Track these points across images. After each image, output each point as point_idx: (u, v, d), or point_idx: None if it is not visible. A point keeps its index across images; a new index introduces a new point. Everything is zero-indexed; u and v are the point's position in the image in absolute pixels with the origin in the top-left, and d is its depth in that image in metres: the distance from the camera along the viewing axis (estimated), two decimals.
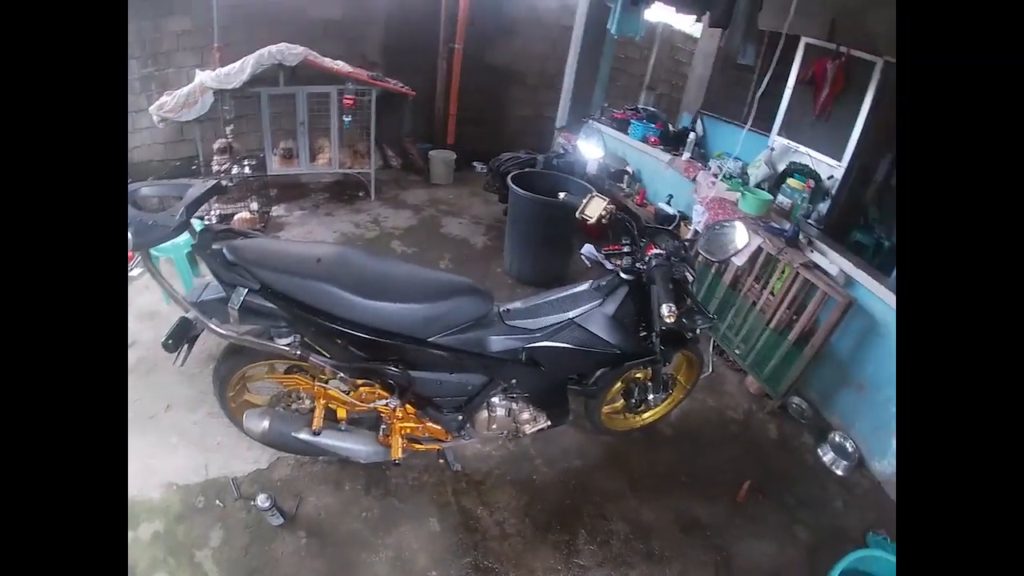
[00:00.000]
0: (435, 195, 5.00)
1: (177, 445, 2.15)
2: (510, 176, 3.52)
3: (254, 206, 3.87)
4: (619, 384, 2.29)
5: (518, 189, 3.38)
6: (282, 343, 1.63)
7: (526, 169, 3.87)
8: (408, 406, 1.82)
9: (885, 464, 2.73)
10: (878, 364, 2.77)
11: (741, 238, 1.74)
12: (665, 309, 1.48)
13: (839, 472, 2.72)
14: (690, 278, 1.79)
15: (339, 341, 1.63)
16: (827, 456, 2.78)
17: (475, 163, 5.64)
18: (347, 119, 4.19)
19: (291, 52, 3.75)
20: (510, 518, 2.10)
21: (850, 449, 2.82)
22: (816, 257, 2.93)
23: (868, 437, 2.83)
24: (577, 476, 2.33)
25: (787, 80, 4.39)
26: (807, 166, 4.09)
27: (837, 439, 2.86)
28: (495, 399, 1.89)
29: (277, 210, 4.21)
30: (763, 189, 3.75)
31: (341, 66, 4.13)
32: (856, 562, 1.57)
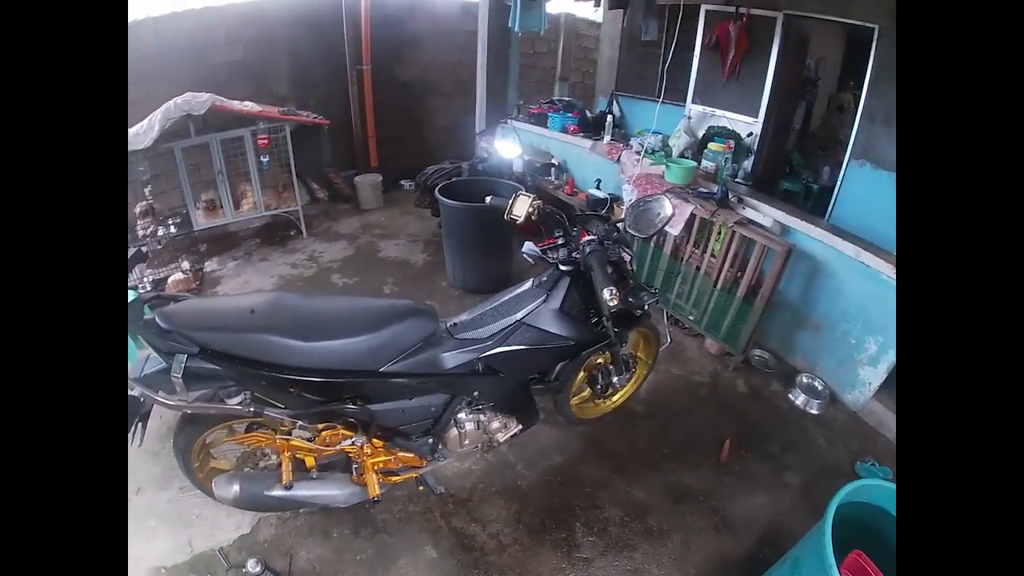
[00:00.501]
0: (367, 220, 4.93)
1: (156, 527, 2.04)
2: (437, 188, 3.49)
3: (186, 265, 3.71)
4: (582, 374, 2.29)
5: (446, 200, 3.36)
6: (233, 403, 1.57)
7: (453, 179, 3.86)
8: (375, 440, 1.76)
9: (856, 394, 2.85)
10: (829, 302, 2.89)
11: (665, 210, 1.77)
12: (607, 293, 1.48)
13: (814, 411, 2.82)
14: (627, 257, 1.81)
15: (291, 390, 1.57)
16: (799, 399, 2.88)
17: (402, 181, 5.59)
18: (265, 159, 4.08)
19: (197, 101, 3.62)
20: (504, 528, 2.08)
21: (819, 387, 2.92)
22: (749, 213, 3.03)
23: (834, 372, 2.94)
24: (561, 472, 2.33)
25: (694, 48, 4.53)
26: (725, 127, 4.22)
27: (805, 380, 2.96)
28: (461, 415, 1.86)
29: (210, 265, 4.05)
30: (687, 157, 3.84)
31: (250, 107, 4.01)
32: (851, 494, 1.60)
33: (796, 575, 1.56)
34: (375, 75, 5.20)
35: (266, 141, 4.01)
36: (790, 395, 2.91)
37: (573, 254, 1.78)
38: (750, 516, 2.20)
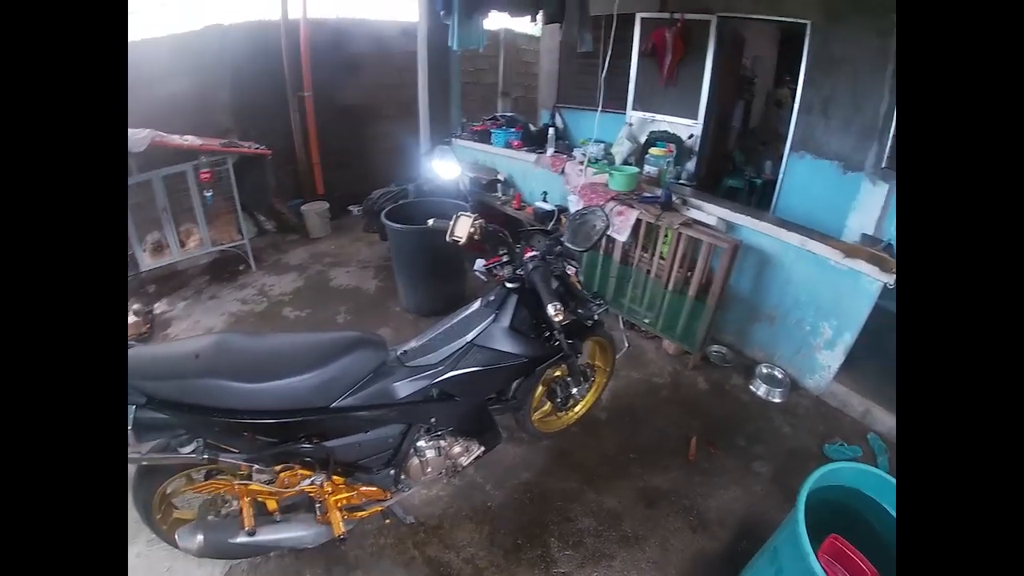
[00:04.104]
0: (316, 250, 4.84)
1: None
2: (384, 212, 3.45)
3: (136, 308, 3.57)
4: (540, 388, 2.29)
5: (392, 224, 3.31)
6: (186, 451, 1.50)
7: (400, 202, 3.81)
8: (335, 477, 1.72)
9: (817, 379, 2.95)
10: (780, 292, 2.98)
11: (600, 222, 1.79)
12: (551, 309, 1.49)
13: (776, 400, 2.89)
14: (572, 270, 1.82)
15: (244, 433, 1.53)
16: (760, 389, 2.95)
17: (350, 207, 5.52)
18: (208, 194, 3.96)
19: (136, 137, 3.50)
20: (479, 552, 2.05)
21: (780, 376, 3.00)
22: (693, 213, 3.10)
23: (793, 359, 3.03)
24: (530, 488, 2.32)
25: (631, 57, 4.65)
26: (667, 132, 4.34)
27: (765, 371, 3.03)
28: (421, 443, 1.83)
29: (160, 306, 3.89)
30: (631, 164, 3.91)
31: (191, 140, 3.90)
32: (820, 479, 1.60)
33: (775, 565, 1.58)
34: (317, 101, 5.14)
35: (209, 175, 3.90)
36: (751, 386, 2.98)
37: (518, 271, 1.78)
38: (725, 511, 2.23)
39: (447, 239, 1.77)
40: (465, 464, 1.96)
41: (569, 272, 1.80)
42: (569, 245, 1.87)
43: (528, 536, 2.10)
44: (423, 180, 4.19)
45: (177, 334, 3.54)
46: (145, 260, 3.94)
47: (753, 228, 2.98)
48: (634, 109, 4.67)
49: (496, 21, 5.64)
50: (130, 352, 1.52)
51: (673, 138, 4.26)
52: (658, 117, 4.52)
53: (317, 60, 5.01)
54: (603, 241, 1.92)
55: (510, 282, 1.79)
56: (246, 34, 4.85)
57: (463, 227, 1.74)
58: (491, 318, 1.77)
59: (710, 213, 3.07)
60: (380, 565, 2.00)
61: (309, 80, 5.00)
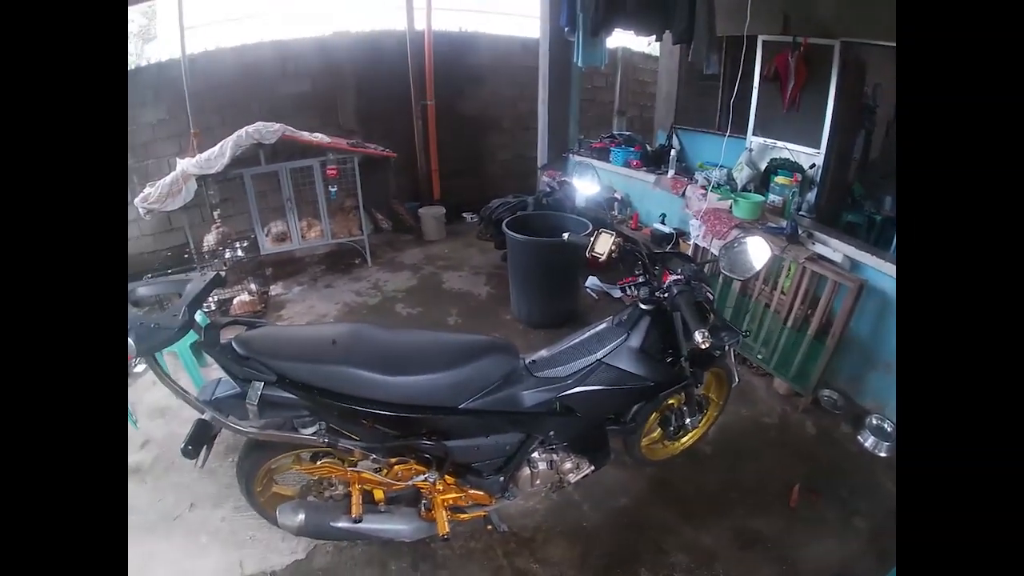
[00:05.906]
0: (430, 252, 5.01)
1: (207, 544, 2.06)
2: (505, 222, 3.52)
3: (252, 287, 3.86)
4: (654, 414, 2.24)
5: (515, 234, 3.38)
6: (307, 433, 1.58)
7: (517, 213, 3.88)
8: (447, 477, 1.76)
9: None
10: None
11: (762, 254, 1.72)
12: (699, 336, 1.44)
13: (883, 454, 2.70)
14: (711, 297, 1.77)
15: (366, 422, 1.58)
16: (868, 441, 2.76)
17: (465, 214, 5.69)
18: (333, 189, 4.24)
19: (268, 130, 3.78)
20: (568, 571, 2.02)
21: (889, 429, 2.79)
22: (818, 248, 2.94)
23: None
24: (627, 514, 2.27)
25: (752, 80, 4.49)
26: (788, 159, 4.14)
27: (875, 422, 2.83)
28: (535, 454, 1.83)
29: (275, 288, 4.20)
30: (750, 190, 3.77)
31: (320, 138, 4.19)
32: None
33: None
34: (439, 110, 5.37)
35: (335, 172, 4.17)
36: (859, 436, 2.78)
37: (656, 293, 1.75)
38: (819, 564, 2.10)
39: (587, 254, 1.77)
40: (573, 481, 1.95)
41: (709, 299, 1.75)
42: (725, 272, 1.81)
43: (619, 562, 2.06)
44: (542, 193, 4.25)
45: (291, 316, 3.80)
46: (266, 245, 4.26)
47: (878, 268, 2.77)
48: (755, 134, 4.48)
49: (615, 40, 5.67)
50: (263, 330, 1.63)
51: (795, 166, 4.06)
52: (779, 144, 4.32)
53: (439, 70, 5.24)
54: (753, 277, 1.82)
55: (645, 303, 1.76)
56: (371, 42, 5.18)
57: (604, 244, 1.74)
58: (622, 337, 1.74)
59: (836, 249, 2.90)
60: (467, 568, 2.02)
61: (432, 88, 5.23)
